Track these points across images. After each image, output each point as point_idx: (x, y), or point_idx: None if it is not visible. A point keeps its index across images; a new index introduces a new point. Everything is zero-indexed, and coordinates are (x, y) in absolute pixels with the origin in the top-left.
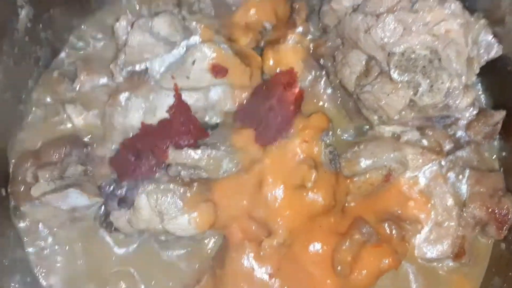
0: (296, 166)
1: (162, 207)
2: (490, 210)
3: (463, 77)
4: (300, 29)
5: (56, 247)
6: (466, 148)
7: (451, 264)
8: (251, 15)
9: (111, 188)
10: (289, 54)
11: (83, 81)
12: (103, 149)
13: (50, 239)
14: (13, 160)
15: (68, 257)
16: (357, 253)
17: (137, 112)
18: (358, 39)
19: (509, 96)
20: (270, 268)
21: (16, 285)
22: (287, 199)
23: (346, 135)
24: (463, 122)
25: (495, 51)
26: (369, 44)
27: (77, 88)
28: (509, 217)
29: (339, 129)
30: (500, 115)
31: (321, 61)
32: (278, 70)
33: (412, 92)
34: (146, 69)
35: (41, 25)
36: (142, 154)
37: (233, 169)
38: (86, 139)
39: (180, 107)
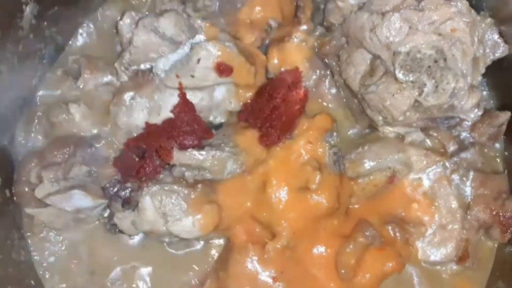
0: (300, 168)
1: (166, 208)
2: (494, 212)
3: (469, 77)
4: (304, 27)
5: (60, 248)
6: (470, 150)
7: (454, 267)
8: (257, 12)
9: (115, 189)
10: (294, 52)
11: (87, 79)
12: (107, 149)
13: (54, 240)
14: (17, 161)
15: (72, 258)
16: (360, 256)
17: (142, 112)
18: (363, 38)
19: None
20: (273, 271)
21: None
22: (291, 201)
23: (352, 131)
24: (467, 123)
25: (501, 50)
26: (374, 43)
27: (81, 87)
28: None
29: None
30: (505, 116)
31: (326, 60)
32: (282, 69)
33: (417, 93)
34: (151, 67)
35: (45, 22)
36: (147, 154)
37: (237, 170)
38: (90, 139)
39: (184, 107)
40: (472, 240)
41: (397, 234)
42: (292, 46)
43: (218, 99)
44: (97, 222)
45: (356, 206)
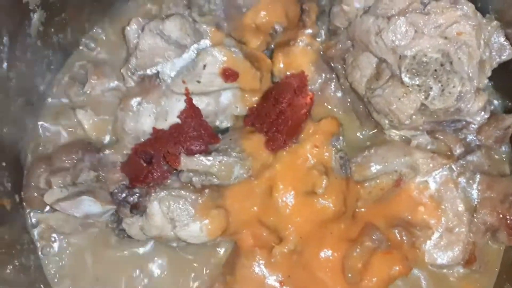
0: (307, 172)
1: (174, 213)
2: (501, 215)
3: (475, 81)
4: (310, 30)
5: (69, 253)
6: (477, 153)
7: (461, 270)
8: (262, 17)
9: (124, 195)
10: (299, 56)
11: (94, 84)
12: (115, 155)
13: (63, 245)
14: (26, 166)
15: (81, 263)
16: (367, 260)
17: (149, 117)
18: (369, 42)
19: None
20: (280, 275)
21: None
22: (298, 205)
23: (358, 135)
24: (474, 126)
25: (508, 53)
26: (380, 47)
27: (88, 92)
28: None
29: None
30: (511, 119)
31: (331, 64)
32: (288, 73)
33: (423, 96)
34: (157, 73)
35: (53, 29)
36: (154, 159)
37: (244, 175)
38: (97, 145)
39: (191, 112)
40: (479, 243)
41: (404, 238)
42: (298, 50)
43: (224, 104)
44: (105, 227)
45: (362, 209)
